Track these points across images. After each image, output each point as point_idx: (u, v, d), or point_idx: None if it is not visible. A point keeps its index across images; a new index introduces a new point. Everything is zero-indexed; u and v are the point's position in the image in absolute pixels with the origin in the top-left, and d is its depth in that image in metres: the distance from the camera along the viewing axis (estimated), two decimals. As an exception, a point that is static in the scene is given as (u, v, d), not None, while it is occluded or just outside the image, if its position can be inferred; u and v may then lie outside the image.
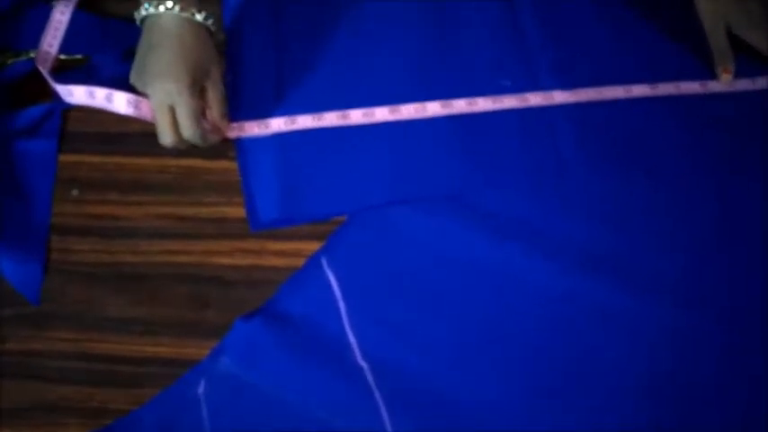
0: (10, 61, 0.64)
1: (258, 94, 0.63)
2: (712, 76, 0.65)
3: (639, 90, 0.64)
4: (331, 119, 0.62)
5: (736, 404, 0.53)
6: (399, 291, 0.56)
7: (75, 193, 0.61)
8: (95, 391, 0.55)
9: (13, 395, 0.55)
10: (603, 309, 0.56)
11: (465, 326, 0.55)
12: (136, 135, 0.62)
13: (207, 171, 0.61)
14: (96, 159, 0.62)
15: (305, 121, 0.62)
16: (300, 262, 0.58)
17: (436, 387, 0.53)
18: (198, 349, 0.55)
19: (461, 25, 0.67)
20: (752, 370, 0.54)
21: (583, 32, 0.67)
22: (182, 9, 0.57)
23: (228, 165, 0.61)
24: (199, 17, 0.58)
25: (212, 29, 0.59)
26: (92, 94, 0.59)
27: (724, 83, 0.65)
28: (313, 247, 0.58)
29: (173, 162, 0.62)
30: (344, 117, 0.62)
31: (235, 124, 0.61)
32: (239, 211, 0.60)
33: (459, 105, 0.63)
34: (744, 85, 0.65)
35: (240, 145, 0.61)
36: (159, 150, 0.58)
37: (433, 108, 0.63)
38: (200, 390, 0.53)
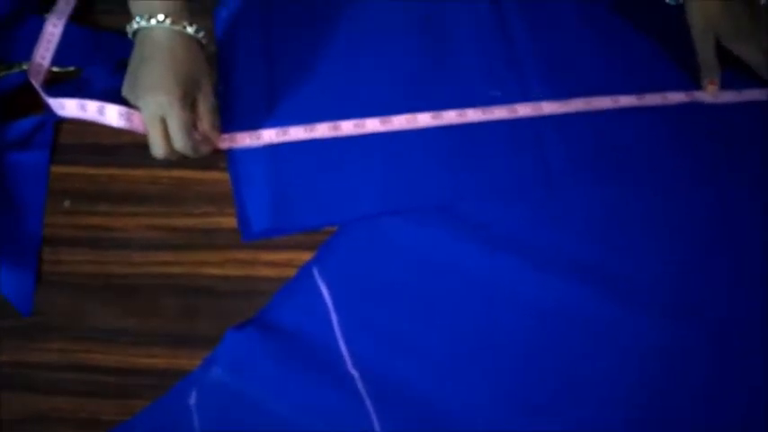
0: (2, 74, 0.65)
1: (250, 106, 0.64)
2: (699, 87, 0.66)
3: (627, 100, 0.65)
4: (322, 130, 0.62)
5: (727, 414, 0.53)
6: (390, 300, 0.57)
7: (66, 204, 0.61)
8: (87, 401, 0.55)
9: (4, 407, 0.55)
10: (593, 319, 0.56)
11: (455, 335, 0.56)
12: (128, 146, 0.62)
13: (198, 182, 0.62)
14: (88, 171, 0.62)
15: (297, 133, 0.62)
16: (292, 272, 0.58)
17: (427, 396, 0.53)
18: (189, 360, 0.55)
19: (452, 37, 0.68)
20: (742, 380, 0.54)
21: (571, 43, 0.68)
22: (173, 22, 0.57)
23: (220, 176, 0.62)
24: (190, 30, 0.58)
25: (203, 41, 0.60)
26: (83, 107, 0.59)
27: (709, 95, 0.65)
28: (304, 257, 0.59)
29: (164, 173, 0.62)
30: (336, 128, 0.63)
31: (226, 135, 0.62)
32: (231, 222, 0.60)
33: (450, 116, 0.64)
34: (730, 96, 0.66)
35: (232, 156, 0.62)
36: (151, 162, 0.59)
37: (424, 119, 0.63)
38: (192, 400, 0.53)
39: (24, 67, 0.64)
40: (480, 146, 0.63)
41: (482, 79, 0.66)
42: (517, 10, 0.69)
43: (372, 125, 0.63)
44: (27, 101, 0.63)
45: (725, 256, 0.59)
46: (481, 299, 0.57)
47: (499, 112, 0.64)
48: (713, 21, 0.65)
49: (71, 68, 0.66)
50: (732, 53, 0.66)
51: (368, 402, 0.53)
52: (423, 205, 0.60)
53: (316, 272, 0.58)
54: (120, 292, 0.58)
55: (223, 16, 0.68)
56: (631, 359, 0.55)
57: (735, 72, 0.66)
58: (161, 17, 0.57)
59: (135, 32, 0.59)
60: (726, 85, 0.66)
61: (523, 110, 0.64)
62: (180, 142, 0.57)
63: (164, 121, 0.56)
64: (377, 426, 0.52)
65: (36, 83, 0.62)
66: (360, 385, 0.54)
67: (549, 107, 0.64)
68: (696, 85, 0.66)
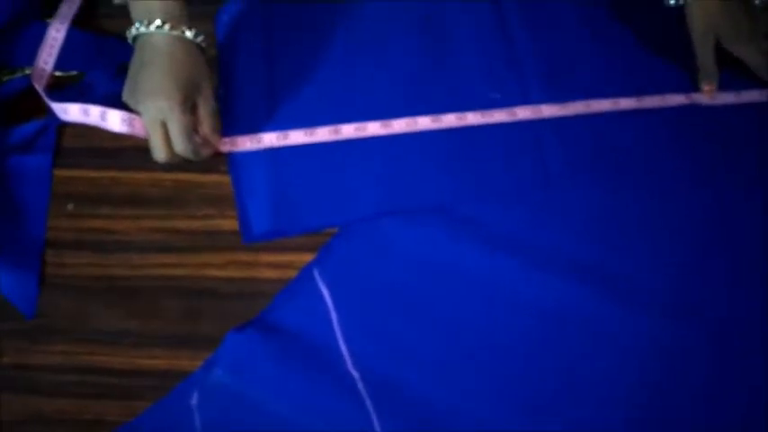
0: (5, 78, 0.65)
1: (251, 109, 0.64)
2: (697, 89, 0.66)
3: (626, 103, 0.65)
4: (323, 134, 0.63)
5: (727, 414, 0.54)
6: (390, 301, 0.57)
7: (70, 207, 0.61)
8: (90, 403, 0.55)
9: (8, 409, 0.55)
10: (592, 319, 0.57)
11: (455, 336, 0.56)
12: (130, 150, 0.63)
13: (200, 185, 0.62)
14: (91, 174, 0.63)
15: (297, 137, 0.62)
16: (293, 273, 0.58)
17: (426, 396, 0.54)
18: (191, 361, 0.56)
19: (452, 39, 0.68)
20: (742, 380, 0.55)
21: (571, 46, 0.68)
22: (172, 27, 0.58)
23: (221, 178, 0.62)
24: (189, 34, 0.59)
25: (203, 45, 0.60)
26: (86, 112, 0.60)
27: (706, 98, 0.66)
28: (305, 258, 0.59)
29: (166, 176, 0.62)
30: (336, 132, 0.63)
31: (227, 139, 0.62)
32: (232, 224, 0.60)
33: (449, 120, 0.64)
34: (730, 98, 0.66)
35: (233, 159, 0.62)
36: (153, 165, 0.59)
37: (424, 122, 0.64)
38: (194, 401, 0.54)
39: (27, 71, 0.65)
40: (479, 148, 0.63)
41: (482, 81, 0.66)
42: (517, 12, 0.70)
43: (373, 129, 0.63)
44: (30, 105, 0.64)
45: (723, 257, 0.59)
46: (481, 299, 0.57)
47: (498, 116, 0.64)
48: (713, 22, 0.65)
49: (74, 73, 0.66)
50: (731, 55, 0.66)
51: (368, 403, 0.53)
52: (422, 207, 0.61)
53: (316, 273, 0.58)
54: (123, 295, 0.58)
55: (224, 20, 0.68)
56: (631, 359, 0.55)
57: (734, 74, 0.66)
58: (160, 22, 0.57)
59: (135, 38, 0.59)
60: (725, 86, 0.66)
61: (523, 113, 0.64)
62: (181, 146, 0.57)
63: (164, 126, 0.57)
64: (377, 426, 0.53)
65: (39, 87, 0.63)
66: (360, 386, 0.54)
67: (548, 110, 0.65)
68: (695, 87, 0.66)
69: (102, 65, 0.66)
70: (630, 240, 0.60)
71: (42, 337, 0.57)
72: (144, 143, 0.58)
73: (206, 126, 0.59)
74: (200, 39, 0.59)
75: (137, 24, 0.58)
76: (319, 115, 0.64)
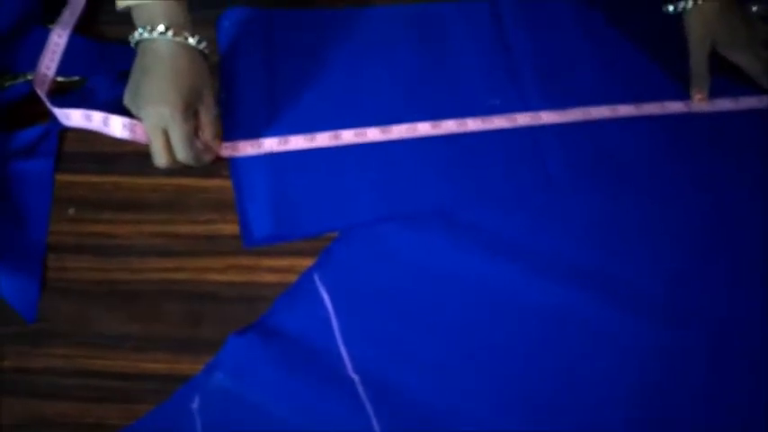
0: (7, 84, 0.65)
1: (251, 114, 0.64)
2: (689, 96, 0.66)
3: (625, 110, 0.66)
4: (323, 139, 0.63)
5: (727, 416, 0.54)
6: (390, 305, 0.57)
7: (71, 211, 0.62)
8: (91, 407, 0.55)
9: (9, 412, 0.55)
10: (593, 323, 0.57)
11: (455, 340, 0.56)
12: (131, 155, 0.63)
13: (201, 189, 0.62)
14: (92, 179, 0.63)
15: (297, 142, 0.63)
16: (293, 278, 0.59)
17: (426, 399, 0.54)
18: (192, 365, 0.56)
19: (451, 47, 0.69)
20: (741, 383, 0.55)
21: (569, 53, 0.69)
22: (175, 33, 0.58)
23: (222, 183, 0.62)
24: (192, 41, 0.59)
25: (206, 52, 0.61)
26: (89, 118, 0.60)
27: (696, 104, 0.66)
28: (306, 263, 0.59)
29: (167, 181, 0.62)
30: (336, 137, 0.63)
31: (228, 143, 0.62)
32: (233, 229, 0.60)
33: (449, 126, 0.64)
34: (727, 104, 0.67)
35: (234, 164, 0.63)
36: (154, 170, 0.60)
37: (424, 128, 0.64)
38: (195, 404, 0.54)
39: (29, 77, 0.65)
40: (479, 153, 0.63)
41: (481, 88, 0.67)
42: (515, 19, 0.70)
43: (373, 134, 0.64)
44: (32, 110, 0.64)
45: (723, 261, 0.60)
46: (481, 304, 0.57)
47: (498, 122, 0.65)
48: (711, 29, 0.65)
49: (75, 78, 0.67)
50: (729, 62, 0.67)
51: (368, 406, 0.54)
52: (422, 212, 0.61)
53: (317, 277, 0.58)
54: (124, 299, 0.58)
55: (225, 26, 0.69)
56: (630, 362, 0.56)
57: (731, 80, 0.67)
58: (163, 28, 0.58)
59: (137, 43, 0.59)
60: (722, 93, 0.67)
61: (522, 119, 0.65)
62: (182, 153, 0.58)
63: (165, 132, 0.57)
64: (377, 429, 0.53)
65: (41, 92, 0.63)
66: (360, 389, 0.54)
67: (547, 117, 0.65)
68: (687, 94, 0.66)
69: (104, 71, 0.67)
70: (630, 245, 0.60)
71: (43, 341, 0.57)
72: (145, 148, 0.59)
73: (207, 133, 0.60)
74: (202, 45, 0.60)
75: (140, 30, 0.58)
76: (320, 121, 0.64)
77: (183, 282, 0.59)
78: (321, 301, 0.57)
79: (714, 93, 0.66)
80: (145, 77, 0.58)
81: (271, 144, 0.63)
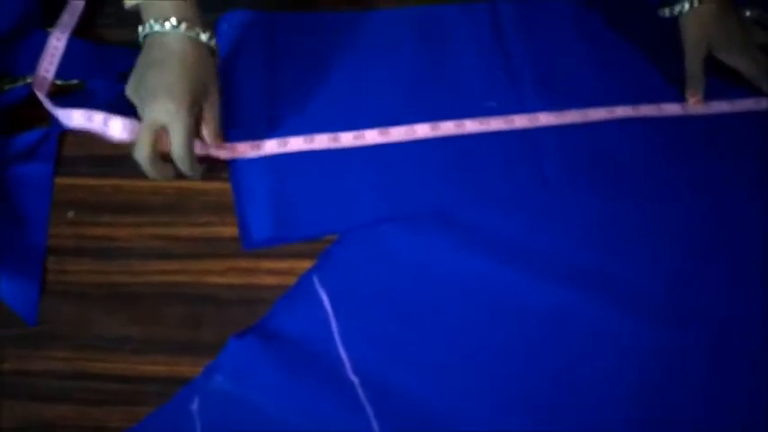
0: (6, 87, 0.65)
1: (251, 117, 0.64)
2: (684, 98, 0.67)
3: (622, 111, 0.66)
4: (322, 141, 0.63)
5: (726, 416, 0.54)
6: (389, 307, 0.57)
7: (71, 214, 0.62)
8: (91, 409, 0.55)
9: (10, 415, 0.55)
10: (592, 324, 0.57)
11: (455, 341, 0.56)
12: (130, 157, 0.62)
13: (200, 192, 0.63)
14: (91, 182, 0.63)
15: (297, 143, 0.63)
16: (293, 280, 0.59)
17: (426, 401, 0.54)
18: (192, 367, 0.56)
19: (450, 49, 0.69)
20: (741, 383, 0.55)
21: (567, 56, 0.69)
22: (187, 28, 0.57)
23: (221, 186, 0.62)
24: (204, 37, 0.58)
25: (215, 49, 0.60)
26: (90, 118, 0.60)
27: (691, 107, 0.66)
28: (305, 265, 0.59)
29: (167, 184, 0.62)
30: (335, 140, 0.64)
31: (228, 145, 0.63)
32: (232, 231, 0.61)
33: (448, 127, 0.65)
34: (723, 106, 0.67)
35: (233, 166, 0.63)
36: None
37: (423, 130, 0.64)
38: (195, 406, 0.54)
39: (28, 80, 0.65)
40: (477, 155, 0.64)
41: (480, 90, 0.67)
42: (513, 21, 0.71)
43: (371, 136, 0.64)
44: (31, 114, 0.64)
45: (721, 261, 0.60)
46: (480, 305, 0.58)
47: (496, 124, 0.65)
48: (707, 32, 0.66)
49: (74, 81, 0.67)
50: (724, 64, 0.67)
51: (368, 408, 0.54)
52: (421, 214, 0.61)
53: (316, 280, 0.59)
54: (124, 301, 0.59)
55: (224, 28, 0.69)
56: (630, 363, 0.56)
57: (727, 83, 0.67)
58: (175, 22, 0.57)
59: (146, 35, 0.59)
60: (718, 95, 0.67)
61: (520, 121, 0.65)
62: (180, 150, 0.57)
63: (162, 129, 0.56)
64: (377, 431, 0.53)
65: (41, 95, 0.63)
66: (360, 391, 0.54)
67: (545, 118, 0.65)
68: (682, 96, 0.67)
69: (103, 74, 0.67)
70: (629, 245, 0.60)
71: (44, 344, 0.57)
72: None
73: (211, 129, 0.60)
74: (213, 42, 0.59)
75: (151, 22, 0.57)
76: (319, 123, 0.64)
77: (182, 284, 0.59)
78: (320, 303, 0.58)
79: (710, 95, 0.67)
80: (152, 70, 0.57)
81: (270, 146, 0.63)
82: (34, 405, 0.56)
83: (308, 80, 0.67)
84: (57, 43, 0.66)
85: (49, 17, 0.68)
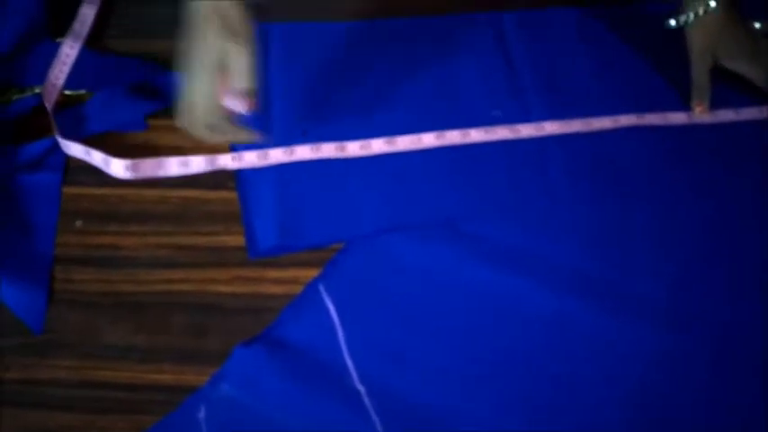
0: (15, 97, 0.66)
1: (258, 126, 0.64)
2: (690, 107, 0.67)
3: (627, 120, 0.66)
4: (329, 150, 0.64)
5: (727, 422, 0.54)
6: (395, 316, 0.57)
7: (78, 224, 0.62)
8: (97, 418, 0.55)
9: (15, 423, 0.55)
10: (595, 330, 0.57)
11: (460, 350, 0.56)
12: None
13: (206, 202, 0.63)
14: (98, 191, 0.63)
15: (303, 153, 0.63)
16: (298, 289, 0.59)
17: (432, 410, 0.54)
18: (198, 376, 0.56)
19: (455, 59, 0.69)
20: (742, 389, 0.55)
21: (572, 65, 0.69)
22: None
23: (227, 195, 0.63)
24: None
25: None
26: (88, 153, 0.61)
27: (697, 116, 0.66)
28: (311, 273, 0.59)
29: (172, 193, 0.63)
30: (342, 149, 0.64)
31: (235, 154, 0.63)
32: (238, 240, 0.61)
33: (453, 137, 0.65)
34: (728, 115, 0.67)
35: (240, 175, 0.63)
36: (159, 182, 0.60)
37: (428, 139, 0.64)
38: (201, 415, 0.54)
39: (37, 90, 0.66)
40: (482, 164, 0.64)
41: (484, 100, 0.67)
42: (519, 32, 0.71)
43: (378, 146, 0.64)
44: (40, 124, 0.65)
45: (725, 268, 0.60)
46: (486, 313, 0.58)
47: (501, 132, 0.65)
48: (713, 42, 0.66)
49: (82, 92, 0.67)
50: (729, 72, 0.67)
51: (374, 417, 0.54)
52: (427, 223, 0.61)
53: (322, 288, 0.59)
54: (130, 310, 0.59)
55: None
56: (633, 368, 0.56)
57: (732, 91, 0.67)
58: None
59: None
60: (724, 104, 0.67)
61: (525, 130, 0.65)
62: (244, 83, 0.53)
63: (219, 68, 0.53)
64: (383, 439, 0.53)
65: (49, 106, 0.63)
66: (366, 400, 0.54)
67: (550, 127, 0.65)
68: (687, 105, 0.67)
69: (112, 85, 0.67)
70: (633, 252, 0.61)
71: (50, 352, 0.57)
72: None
73: (244, 81, 0.54)
74: None
75: None
76: (325, 132, 0.64)
77: (188, 293, 0.59)
78: (326, 311, 0.58)
79: (715, 104, 0.67)
80: None
81: (276, 155, 0.63)
82: (40, 414, 0.56)
83: (314, 90, 0.67)
84: (69, 51, 0.67)
85: (58, 28, 0.69)
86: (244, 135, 0.57)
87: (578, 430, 0.54)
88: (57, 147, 0.64)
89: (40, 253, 0.60)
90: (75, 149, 0.62)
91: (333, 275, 0.59)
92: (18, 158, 0.63)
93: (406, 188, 0.63)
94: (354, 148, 0.64)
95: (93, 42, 0.69)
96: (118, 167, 0.60)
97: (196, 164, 0.62)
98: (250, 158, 0.63)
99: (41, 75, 0.66)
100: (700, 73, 0.66)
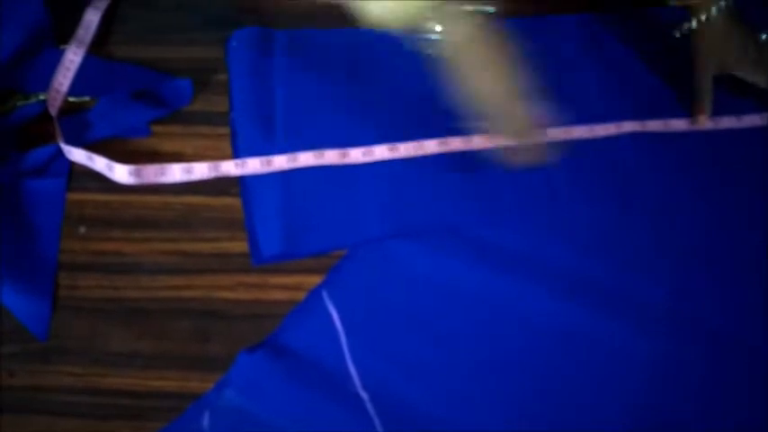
0: (20, 104, 0.66)
1: (261, 133, 0.65)
2: (691, 114, 0.67)
3: (630, 127, 0.66)
4: (331, 157, 0.64)
5: (726, 427, 0.55)
6: (399, 322, 0.58)
7: (82, 230, 0.62)
8: (101, 424, 0.55)
9: (20, 429, 0.55)
10: (599, 337, 0.57)
11: (463, 356, 0.56)
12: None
13: (210, 208, 0.63)
14: (103, 198, 0.63)
15: (306, 159, 0.63)
16: (302, 295, 0.59)
17: (435, 416, 0.54)
18: (202, 382, 0.56)
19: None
20: (741, 396, 0.56)
21: (573, 71, 0.69)
22: None
23: (231, 201, 0.63)
24: None
25: None
26: (91, 159, 0.61)
27: (699, 123, 0.66)
28: (314, 280, 0.60)
29: (177, 199, 0.63)
30: (345, 155, 0.64)
31: (238, 161, 0.63)
32: (241, 246, 0.61)
33: (456, 143, 0.65)
34: (730, 122, 0.67)
35: (244, 182, 0.63)
36: (163, 188, 0.60)
37: (431, 146, 0.64)
38: (205, 421, 0.54)
39: (41, 97, 0.66)
40: (485, 170, 0.64)
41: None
42: (518, 36, 0.71)
43: (380, 152, 0.64)
44: (43, 130, 0.65)
45: (727, 274, 0.60)
46: (489, 320, 0.58)
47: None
48: (716, 49, 0.65)
49: (86, 98, 0.67)
50: (732, 79, 0.67)
51: (377, 423, 0.54)
52: (430, 229, 0.61)
53: (325, 295, 0.59)
54: (134, 316, 0.59)
55: (234, 45, 0.69)
56: (635, 374, 0.56)
57: (734, 99, 0.68)
58: None
59: None
60: (726, 111, 0.67)
61: (528, 136, 0.65)
62: None
63: None
64: (386, 446, 0.53)
65: (54, 112, 0.63)
66: (369, 407, 0.54)
67: (552, 133, 0.65)
68: (688, 112, 0.67)
69: (116, 91, 0.67)
70: (636, 258, 0.61)
71: (54, 359, 0.58)
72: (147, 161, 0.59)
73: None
74: None
75: None
76: (328, 138, 0.64)
77: (192, 299, 0.59)
78: (330, 318, 0.58)
79: (718, 111, 0.67)
80: None
81: (280, 162, 0.63)
82: (44, 420, 0.56)
83: (317, 96, 0.67)
84: (73, 57, 0.67)
85: (61, 35, 0.69)
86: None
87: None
88: (61, 153, 0.64)
89: (44, 259, 0.60)
90: (78, 155, 0.62)
91: (336, 282, 0.59)
92: (22, 165, 0.63)
93: (409, 194, 0.63)
94: (357, 155, 0.64)
95: (97, 49, 0.69)
96: (121, 173, 0.60)
97: (199, 170, 0.62)
98: (253, 165, 0.63)
99: (45, 81, 0.66)
100: (702, 80, 0.66)
